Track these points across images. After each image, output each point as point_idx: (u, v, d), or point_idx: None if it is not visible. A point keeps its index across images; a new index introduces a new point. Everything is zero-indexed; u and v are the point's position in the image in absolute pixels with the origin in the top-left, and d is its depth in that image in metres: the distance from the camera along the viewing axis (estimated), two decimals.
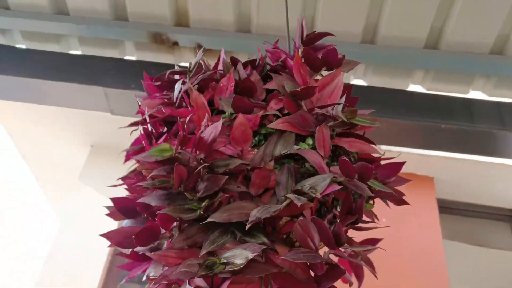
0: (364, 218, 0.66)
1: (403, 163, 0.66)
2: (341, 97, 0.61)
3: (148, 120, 0.58)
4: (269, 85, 0.60)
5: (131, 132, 0.69)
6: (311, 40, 0.68)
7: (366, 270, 0.64)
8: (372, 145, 0.59)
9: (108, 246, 0.52)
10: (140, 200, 0.48)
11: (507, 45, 1.30)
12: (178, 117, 0.56)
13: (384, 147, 1.84)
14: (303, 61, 0.63)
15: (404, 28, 1.29)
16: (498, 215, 2.04)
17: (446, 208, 1.98)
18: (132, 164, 0.66)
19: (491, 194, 1.98)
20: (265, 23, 1.34)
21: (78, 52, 1.52)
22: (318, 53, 0.67)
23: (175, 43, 1.37)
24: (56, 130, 2.14)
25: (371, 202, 0.66)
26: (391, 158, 0.70)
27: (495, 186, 1.93)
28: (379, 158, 0.67)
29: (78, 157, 2.21)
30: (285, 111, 0.56)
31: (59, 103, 1.55)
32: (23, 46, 1.48)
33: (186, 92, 0.59)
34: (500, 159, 1.79)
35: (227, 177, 0.47)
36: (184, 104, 0.58)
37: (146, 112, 0.58)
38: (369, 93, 1.40)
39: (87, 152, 2.20)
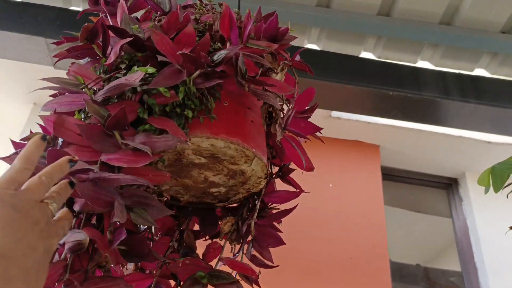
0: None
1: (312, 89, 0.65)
2: None
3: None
4: None
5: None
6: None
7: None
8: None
9: None
10: None
11: (456, 16, 1.33)
12: None
13: (334, 113, 1.88)
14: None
15: None
16: (436, 183, 2.15)
17: (389, 175, 2.07)
18: None
19: (432, 163, 2.08)
20: None
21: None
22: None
23: None
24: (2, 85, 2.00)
25: None
26: None
27: (436, 155, 2.03)
28: None
29: (20, 115, 2.08)
30: None
31: None
32: None
33: None
34: (441, 129, 1.88)
35: None
36: None
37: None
38: (322, 57, 1.40)
39: (29, 110, 2.08)
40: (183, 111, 0.48)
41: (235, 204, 0.67)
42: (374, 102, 1.41)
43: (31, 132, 0.51)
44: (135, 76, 0.45)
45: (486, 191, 0.74)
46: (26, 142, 0.49)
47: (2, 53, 1.39)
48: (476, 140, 1.90)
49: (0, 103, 2.12)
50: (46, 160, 0.41)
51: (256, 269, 0.58)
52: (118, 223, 0.43)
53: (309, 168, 0.64)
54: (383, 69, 1.40)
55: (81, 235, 0.40)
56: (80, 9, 1.40)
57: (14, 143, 0.53)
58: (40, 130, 0.52)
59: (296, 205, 0.64)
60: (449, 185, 2.14)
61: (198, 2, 0.62)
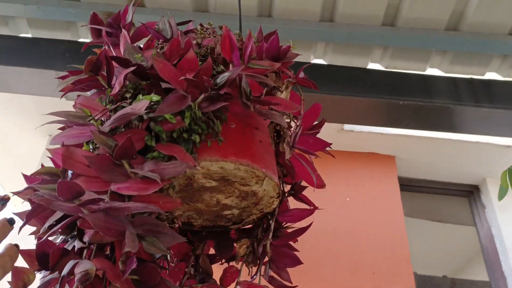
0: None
1: (319, 105, 0.65)
2: None
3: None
4: None
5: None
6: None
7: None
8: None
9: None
10: None
11: (462, 21, 1.32)
12: None
13: (347, 126, 1.86)
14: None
15: (362, 6, 1.29)
16: (456, 191, 2.10)
17: (407, 185, 2.03)
18: None
19: (450, 170, 2.04)
20: (223, 2, 1.31)
21: (29, 35, 1.45)
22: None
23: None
24: (13, 119, 2.05)
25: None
26: None
27: (453, 163, 1.99)
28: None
29: (37, 147, 2.12)
30: None
31: (11, 89, 1.48)
32: None
33: None
34: (458, 136, 1.85)
35: None
36: None
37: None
38: (329, 72, 1.40)
39: (45, 142, 2.12)
40: (190, 136, 0.48)
41: (250, 226, 0.67)
42: (385, 113, 1.39)
43: (42, 165, 0.52)
44: (140, 105, 0.46)
45: (502, 194, 0.71)
46: (37, 177, 0.49)
47: (16, 88, 1.43)
48: (495, 145, 1.86)
49: (17, 136, 2.17)
50: (57, 193, 0.41)
51: None
52: (131, 252, 0.42)
53: (320, 185, 0.63)
54: (392, 79, 1.39)
55: (88, 265, 0.39)
56: (88, 40, 1.43)
57: (25, 177, 0.54)
58: (51, 164, 0.52)
59: (311, 223, 0.63)
60: (470, 193, 2.09)
61: (199, 27, 0.62)
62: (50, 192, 0.43)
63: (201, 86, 0.46)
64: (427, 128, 1.41)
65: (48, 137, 2.13)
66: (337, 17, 1.33)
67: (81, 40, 1.45)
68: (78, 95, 0.52)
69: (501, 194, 0.73)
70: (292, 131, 0.58)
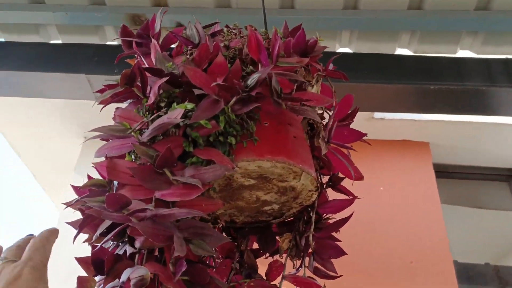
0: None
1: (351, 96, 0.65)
2: None
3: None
4: None
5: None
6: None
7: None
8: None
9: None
10: None
11: (492, 0, 1.27)
12: None
13: (377, 114, 1.83)
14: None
15: None
16: (495, 175, 2.03)
17: (443, 172, 1.98)
18: None
19: (487, 155, 1.97)
20: None
21: (59, 41, 1.49)
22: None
23: None
24: (49, 123, 2.13)
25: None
26: None
27: (490, 147, 1.92)
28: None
29: (73, 149, 2.20)
30: None
31: (45, 94, 1.53)
32: (2, 39, 1.46)
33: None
34: (493, 119, 1.78)
35: None
36: None
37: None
38: (356, 60, 1.38)
39: (81, 143, 2.19)
40: (226, 139, 0.49)
41: (290, 219, 0.67)
42: (416, 98, 1.36)
43: (89, 177, 0.54)
44: (176, 113, 0.47)
45: None
46: (85, 189, 0.51)
47: (48, 93, 1.48)
48: None
49: (54, 141, 2.25)
50: (106, 204, 0.43)
51: (321, 282, 0.58)
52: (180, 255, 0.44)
53: (358, 177, 0.63)
54: (421, 64, 1.36)
55: (143, 271, 0.41)
56: (115, 43, 1.46)
57: (74, 188, 0.56)
58: (98, 176, 0.54)
59: (352, 213, 0.64)
60: (510, 177, 2.02)
61: (225, 29, 0.63)
62: (99, 204, 0.45)
63: (233, 90, 0.47)
64: (460, 112, 1.37)
65: (83, 139, 2.20)
66: (361, 3, 1.31)
67: (108, 43, 1.49)
68: (116, 108, 0.54)
69: None
70: (326, 124, 0.58)
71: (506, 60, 1.34)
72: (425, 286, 1.59)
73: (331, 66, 0.68)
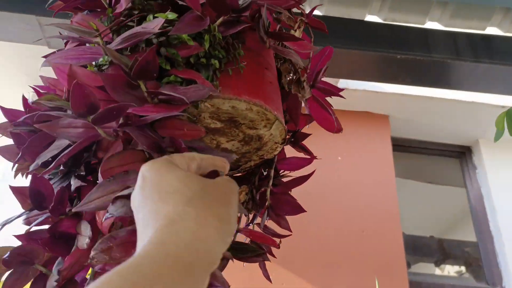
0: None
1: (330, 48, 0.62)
2: None
3: None
4: None
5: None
6: None
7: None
8: None
9: None
10: None
11: None
12: None
13: (341, 82, 1.81)
14: None
15: None
16: (449, 152, 2.09)
17: (400, 146, 2.01)
18: None
19: (443, 130, 2.02)
20: None
21: None
22: None
23: None
24: None
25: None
26: None
27: (447, 123, 1.96)
28: None
29: (18, 98, 2.05)
30: None
31: None
32: None
33: None
34: (453, 95, 1.81)
35: None
36: None
37: None
38: (325, 23, 1.33)
39: (28, 96, 2.04)
40: (209, 62, 0.44)
41: (242, 173, 0.64)
42: (382, 67, 1.34)
43: (37, 92, 0.47)
44: (153, 24, 0.40)
45: (498, 136, 0.69)
46: (35, 106, 0.45)
47: None
48: (490, 105, 1.83)
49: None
50: (71, 103, 0.37)
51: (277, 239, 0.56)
52: None
53: (339, 129, 0.60)
54: (390, 32, 1.34)
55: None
56: None
57: (3, 109, 0.50)
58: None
59: (314, 171, 0.61)
60: (462, 154, 2.08)
61: None
62: (56, 111, 0.39)
63: (223, 7, 0.41)
64: (424, 84, 1.37)
65: (29, 89, 2.05)
66: None
67: None
68: (75, 14, 0.47)
69: (497, 137, 0.71)
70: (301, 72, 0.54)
71: (471, 34, 1.34)
72: (375, 255, 1.63)
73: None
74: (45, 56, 0.46)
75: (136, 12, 0.45)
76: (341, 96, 0.60)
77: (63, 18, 1.34)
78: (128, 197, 0.35)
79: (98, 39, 0.42)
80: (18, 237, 0.43)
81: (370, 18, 1.40)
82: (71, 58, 0.42)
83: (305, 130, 0.67)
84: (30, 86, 0.51)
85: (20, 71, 1.96)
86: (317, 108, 0.58)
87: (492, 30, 1.40)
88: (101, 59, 0.43)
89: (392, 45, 1.30)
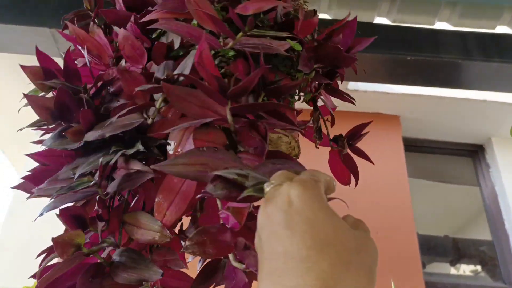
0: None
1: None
2: None
3: None
4: None
5: None
6: None
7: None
8: None
9: None
10: None
11: None
12: None
13: (351, 85, 1.82)
14: None
15: None
16: (461, 151, 2.08)
17: (412, 146, 2.01)
18: None
19: (454, 130, 2.01)
20: None
21: None
22: None
23: None
24: (6, 80, 2.00)
25: None
26: None
27: (459, 122, 1.95)
28: None
29: (27, 110, 2.08)
30: None
31: (4, 48, 1.43)
32: None
33: None
34: (464, 94, 1.81)
35: None
36: None
37: None
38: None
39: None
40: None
41: None
42: (392, 69, 1.35)
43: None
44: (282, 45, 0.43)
45: None
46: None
47: (7, 47, 1.38)
48: (501, 103, 1.82)
49: (12, 98, 2.12)
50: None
51: None
52: None
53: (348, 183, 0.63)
54: (400, 34, 1.34)
55: None
56: None
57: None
58: None
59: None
60: (475, 152, 2.07)
61: None
62: None
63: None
64: (435, 85, 1.37)
65: None
66: None
67: None
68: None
69: None
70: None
71: (481, 33, 1.34)
72: (390, 256, 1.63)
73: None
74: None
75: None
76: (371, 162, 0.62)
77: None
78: (228, 180, 0.32)
79: None
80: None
81: (379, 20, 1.41)
82: None
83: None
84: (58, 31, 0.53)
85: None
86: (338, 161, 0.59)
87: (502, 29, 1.40)
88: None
89: (402, 47, 1.30)
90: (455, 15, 1.36)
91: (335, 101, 0.69)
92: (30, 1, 1.33)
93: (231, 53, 0.45)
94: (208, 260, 0.45)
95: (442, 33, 1.34)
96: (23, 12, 1.32)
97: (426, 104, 1.86)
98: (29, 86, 2.09)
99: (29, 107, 0.52)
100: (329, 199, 0.39)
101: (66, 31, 0.61)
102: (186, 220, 0.57)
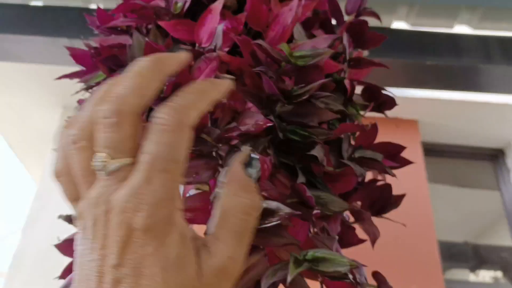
0: None
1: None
2: None
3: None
4: None
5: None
6: None
7: None
8: None
9: None
10: None
11: None
12: None
13: None
14: None
15: None
16: (481, 155, 2.05)
17: (430, 150, 1.98)
18: None
19: (474, 134, 1.98)
20: None
21: (39, 3, 1.41)
22: None
23: None
24: (24, 91, 2.02)
25: None
26: None
27: (478, 126, 1.92)
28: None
29: (50, 120, 2.11)
30: None
31: (23, 59, 1.45)
32: None
33: None
34: (483, 98, 1.78)
35: None
36: None
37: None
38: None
39: (59, 114, 2.10)
40: None
41: None
42: (411, 74, 1.33)
43: None
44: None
45: None
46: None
47: (27, 58, 1.40)
48: None
49: (29, 108, 2.15)
50: None
51: None
52: None
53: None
54: (418, 38, 1.33)
55: None
56: (102, 6, 1.38)
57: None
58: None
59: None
60: (495, 156, 2.03)
61: None
62: None
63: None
64: (455, 89, 1.35)
65: (62, 109, 2.11)
66: None
67: (92, 6, 1.41)
68: None
69: None
70: None
71: (503, 38, 1.32)
72: (410, 263, 1.61)
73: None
74: None
75: None
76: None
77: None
78: None
79: None
80: None
81: (397, 24, 1.40)
82: None
83: None
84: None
85: (51, 92, 2.02)
86: None
87: None
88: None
89: (421, 51, 1.29)
90: (475, 18, 1.34)
91: None
92: (50, 14, 1.36)
93: None
94: None
95: (461, 37, 1.32)
96: (42, 24, 1.34)
97: (444, 108, 1.84)
98: (49, 103, 2.09)
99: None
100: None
101: None
102: None
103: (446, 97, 1.79)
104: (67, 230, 0.47)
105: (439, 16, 1.34)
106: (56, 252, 0.45)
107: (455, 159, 2.05)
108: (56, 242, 0.46)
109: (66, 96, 2.05)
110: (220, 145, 0.37)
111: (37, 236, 1.73)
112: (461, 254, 2.10)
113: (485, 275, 2.29)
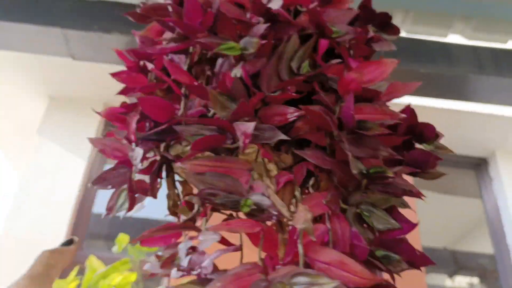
0: None
1: None
2: None
3: None
4: None
5: None
6: None
7: None
8: None
9: None
10: None
11: None
12: None
13: None
14: None
15: None
16: (465, 163, 2.09)
17: None
18: None
19: (460, 142, 2.02)
20: None
21: None
22: None
23: None
24: (10, 78, 1.97)
25: None
26: None
27: (464, 135, 1.97)
28: None
29: (35, 109, 2.05)
30: None
31: (14, 47, 1.42)
32: None
33: None
34: (470, 107, 1.82)
35: None
36: None
37: None
38: None
39: (45, 104, 2.04)
40: None
41: None
42: (405, 80, 1.35)
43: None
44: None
45: None
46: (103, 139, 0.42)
47: (18, 46, 1.37)
48: (508, 118, 1.83)
49: (15, 97, 2.09)
50: None
51: None
52: None
53: None
54: (413, 46, 1.35)
55: None
56: None
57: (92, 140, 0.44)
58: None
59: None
60: (478, 165, 2.08)
61: None
62: None
63: None
64: (447, 97, 1.38)
65: (48, 100, 2.06)
66: None
67: None
68: None
69: None
70: None
71: (495, 49, 1.35)
72: None
73: None
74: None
75: None
76: None
77: (86, 31, 1.36)
78: None
79: None
80: None
81: None
82: None
83: None
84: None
85: (38, 81, 1.97)
86: None
87: None
88: None
89: (415, 59, 1.31)
90: (469, 28, 1.37)
91: None
92: (43, 2, 1.32)
93: None
94: None
95: (455, 46, 1.35)
96: (35, 12, 1.30)
97: (432, 115, 1.86)
98: (35, 93, 2.03)
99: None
100: None
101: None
102: None
103: (432, 104, 1.82)
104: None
105: (433, 24, 1.37)
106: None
107: (440, 166, 2.10)
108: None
109: (53, 85, 2.00)
110: None
111: (18, 228, 1.69)
112: (440, 260, 2.14)
113: (461, 280, 2.34)
